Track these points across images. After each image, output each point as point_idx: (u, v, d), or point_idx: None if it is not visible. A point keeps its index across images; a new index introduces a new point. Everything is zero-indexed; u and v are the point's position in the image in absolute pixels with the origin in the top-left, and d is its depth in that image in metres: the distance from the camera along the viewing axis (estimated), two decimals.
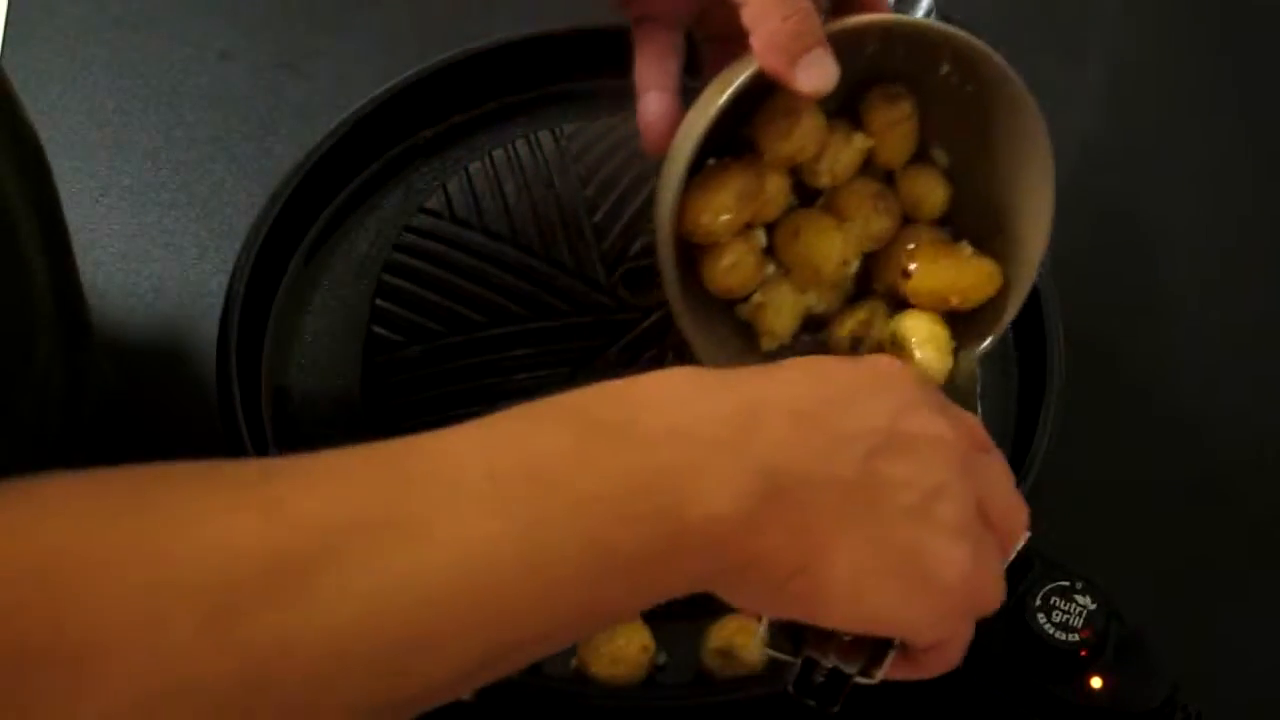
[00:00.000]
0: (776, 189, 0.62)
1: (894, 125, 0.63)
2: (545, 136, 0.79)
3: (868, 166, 0.64)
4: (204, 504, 0.41)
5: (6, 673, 0.37)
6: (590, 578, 0.43)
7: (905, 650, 0.50)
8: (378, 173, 0.81)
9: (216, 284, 0.75)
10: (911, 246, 0.65)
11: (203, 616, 0.39)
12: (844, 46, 0.58)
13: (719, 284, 0.63)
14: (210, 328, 0.71)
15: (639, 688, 0.64)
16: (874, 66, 0.63)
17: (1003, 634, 0.62)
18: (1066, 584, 0.62)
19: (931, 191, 0.65)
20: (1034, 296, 0.70)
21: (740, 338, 0.65)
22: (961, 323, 0.65)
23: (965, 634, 0.50)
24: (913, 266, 0.64)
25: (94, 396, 0.66)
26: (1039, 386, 0.72)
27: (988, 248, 0.65)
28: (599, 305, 0.74)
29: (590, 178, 0.78)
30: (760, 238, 0.63)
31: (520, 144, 0.79)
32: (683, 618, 0.65)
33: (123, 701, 0.38)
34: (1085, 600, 0.61)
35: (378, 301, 0.74)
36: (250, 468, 0.45)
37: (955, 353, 0.63)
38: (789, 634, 0.50)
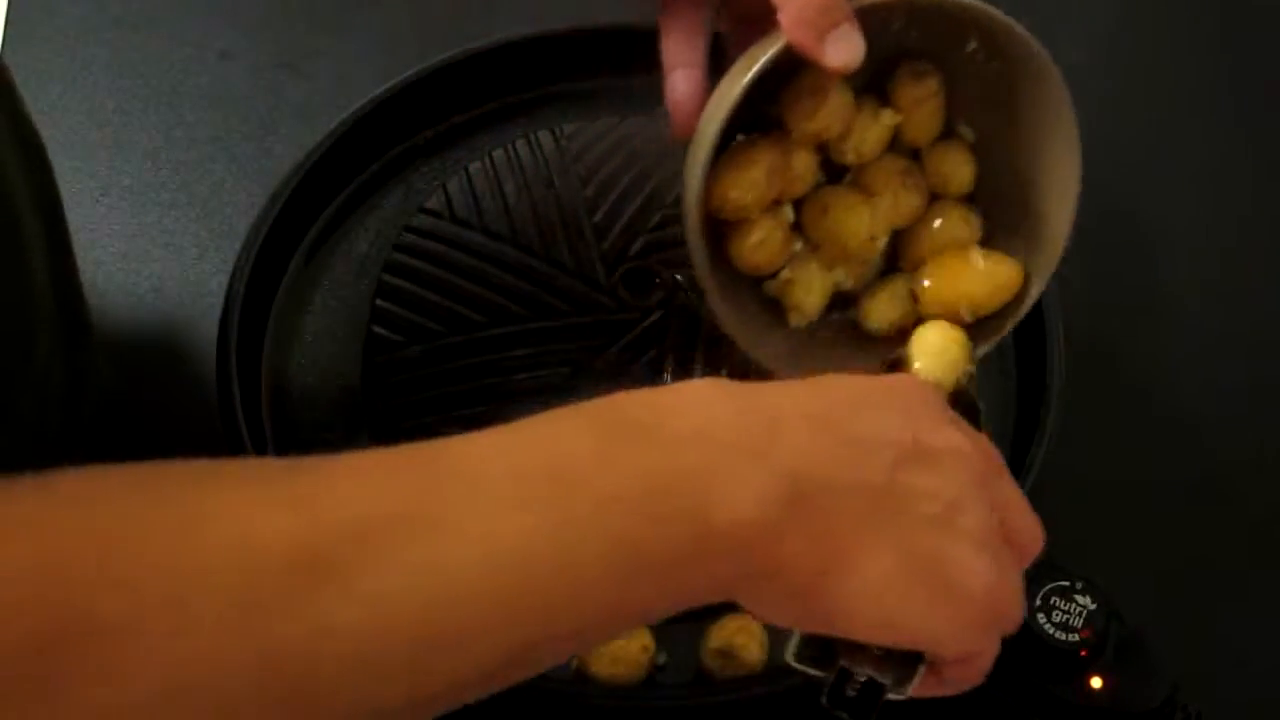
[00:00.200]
0: (804, 166, 0.63)
1: (921, 102, 0.64)
2: (545, 136, 0.79)
3: (895, 143, 0.65)
4: (230, 497, 0.41)
5: (32, 659, 0.37)
6: (618, 577, 0.43)
7: (932, 666, 0.50)
8: (378, 173, 0.81)
9: (216, 284, 0.75)
10: (925, 257, 0.65)
11: (227, 608, 0.39)
12: (871, 23, 0.58)
13: (747, 260, 0.63)
14: (210, 328, 0.71)
15: (639, 688, 0.64)
16: (900, 43, 0.63)
17: None
18: (1066, 584, 0.62)
19: (959, 168, 0.65)
20: None
21: (768, 314, 0.66)
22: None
23: (991, 650, 0.50)
24: (926, 283, 0.64)
25: (94, 396, 0.66)
26: (1039, 386, 0.72)
27: (1013, 225, 0.65)
28: (599, 305, 0.74)
29: (590, 178, 0.78)
30: (788, 214, 0.64)
31: (520, 144, 0.79)
32: (683, 618, 0.64)
33: (148, 687, 0.38)
34: (1085, 600, 0.61)
35: (378, 301, 0.74)
36: (275, 465, 0.45)
37: (965, 374, 0.63)
38: (819, 647, 0.50)
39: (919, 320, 0.65)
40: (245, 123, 0.87)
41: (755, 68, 0.58)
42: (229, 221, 0.82)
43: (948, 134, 0.65)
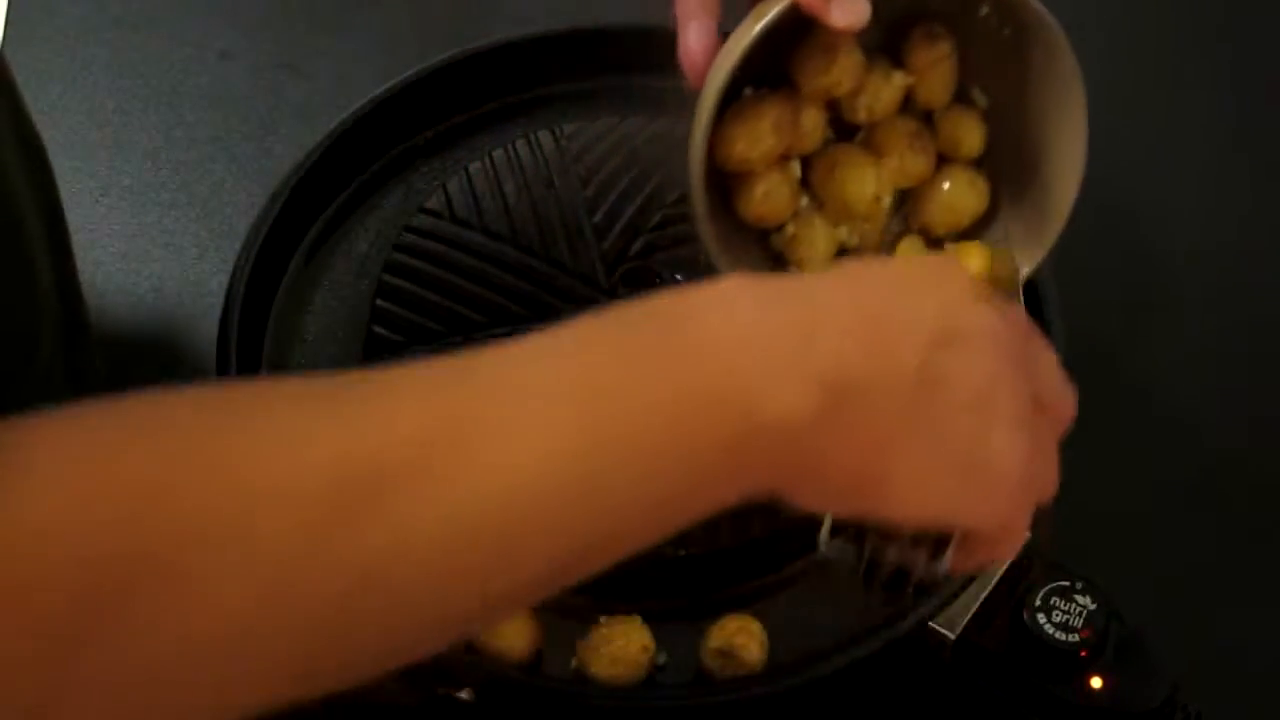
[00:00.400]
0: (813, 123, 0.63)
1: (933, 64, 0.64)
2: (545, 136, 0.79)
3: (908, 105, 0.65)
4: (288, 418, 0.41)
5: (108, 585, 0.37)
6: (679, 473, 0.44)
7: (963, 543, 0.51)
8: (378, 173, 0.81)
9: (216, 284, 0.75)
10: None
11: (297, 528, 0.39)
12: None
13: (752, 212, 0.64)
14: (210, 328, 0.71)
15: (639, 688, 0.64)
16: (915, 5, 0.64)
17: (1003, 634, 0.62)
18: (1066, 584, 0.62)
19: (969, 133, 0.66)
20: (1034, 296, 0.70)
21: (772, 270, 0.66)
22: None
23: (1023, 523, 0.51)
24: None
25: (93, 396, 0.66)
26: None
27: (1019, 193, 0.66)
28: (599, 305, 0.74)
29: (590, 178, 0.78)
30: (795, 169, 0.64)
31: (520, 144, 0.79)
32: (683, 618, 0.65)
33: (227, 609, 0.38)
34: (1085, 600, 0.61)
35: (378, 301, 0.74)
36: (323, 383, 0.45)
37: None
38: (850, 534, 0.52)
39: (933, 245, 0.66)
40: (245, 123, 0.87)
41: (764, 20, 0.59)
42: (229, 221, 0.82)
43: (961, 98, 0.66)
